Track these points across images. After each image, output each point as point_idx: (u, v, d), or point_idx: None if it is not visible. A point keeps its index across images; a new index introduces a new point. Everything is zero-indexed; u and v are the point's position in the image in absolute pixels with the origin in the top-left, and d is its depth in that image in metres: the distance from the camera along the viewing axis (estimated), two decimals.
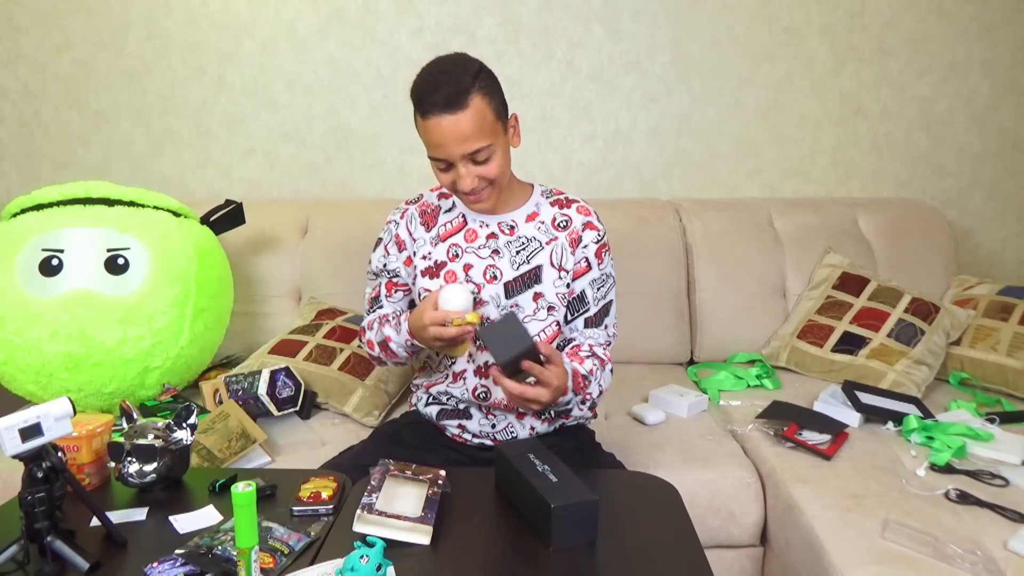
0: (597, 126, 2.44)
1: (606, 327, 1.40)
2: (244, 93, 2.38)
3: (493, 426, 1.38)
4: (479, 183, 1.23)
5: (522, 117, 2.40)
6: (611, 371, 1.38)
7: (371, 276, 1.47)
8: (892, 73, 2.41)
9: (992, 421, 1.68)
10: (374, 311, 1.45)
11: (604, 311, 1.40)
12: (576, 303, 1.38)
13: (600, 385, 1.34)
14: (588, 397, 1.32)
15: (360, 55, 2.36)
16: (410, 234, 1.40)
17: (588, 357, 1.34)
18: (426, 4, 2.33)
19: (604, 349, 1.38)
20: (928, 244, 2.26)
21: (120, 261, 1.66)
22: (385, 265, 1.43)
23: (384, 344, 1.37)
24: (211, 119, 2.40)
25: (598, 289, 1.38)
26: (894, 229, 2.27)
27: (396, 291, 1.44)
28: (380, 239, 1.45)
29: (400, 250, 1.40)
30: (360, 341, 1.48)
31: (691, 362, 2.23)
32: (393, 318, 1.37)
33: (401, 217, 1.41)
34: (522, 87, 2.39)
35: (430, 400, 1.44)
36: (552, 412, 1.38)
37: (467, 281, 1.34)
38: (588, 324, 1.39)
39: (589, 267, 1.36)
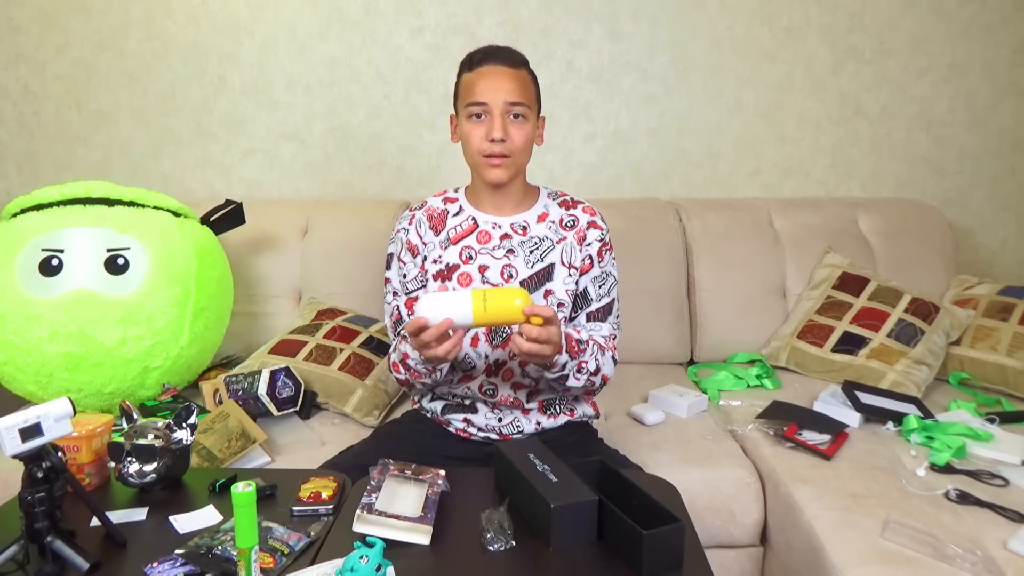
0: (597, 126, 2.43)
1: (610, 323, 1.41)
2: (244, 93, 2.38)
3: (500, 420, 1.39)
4: (507, 142, 1.29)
5: None
6: (613, 360, 1.38)
7: (389, 297, 1.43)
8: (892, 73, 2.41)
9: (992, 421, 1.68)
10: (398, 334, 1.41)
11: (607, 309, 1.41)
12: (580, 300, 1.39)
13: (598, 361, 1.31)
14: (584, 366, 1.28)
15: (360, 55, 2.36)
16: (420, 238, 1.40)
17: (588, 339, 1.33)
18: (426, 4, 2.33)
19: (606, 340, 1.39)
20: (928, 244, 2.26)
21: (120, 261, 1.66)
22: (405, 276, 1.40)
23: (404, 362, 1.31)
24: (211, 119, 2.40)
25: (600, 287, 1.40)
26: (894, 229, 2.27)
27: None
28: (391, 254, 1.43)
29: (414, 256, 1.40)
30: (390, 371, 1.41)
31: (691, 362, 2.23)
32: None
33: (410, 223, 1.41)
34: None
35: (434, 396, 1.44)
36: (546, 377, 1.29)
37: (484, 282, 1.35)
38: (590, 319, 1.40)
39: (591, 264, 1.39)
